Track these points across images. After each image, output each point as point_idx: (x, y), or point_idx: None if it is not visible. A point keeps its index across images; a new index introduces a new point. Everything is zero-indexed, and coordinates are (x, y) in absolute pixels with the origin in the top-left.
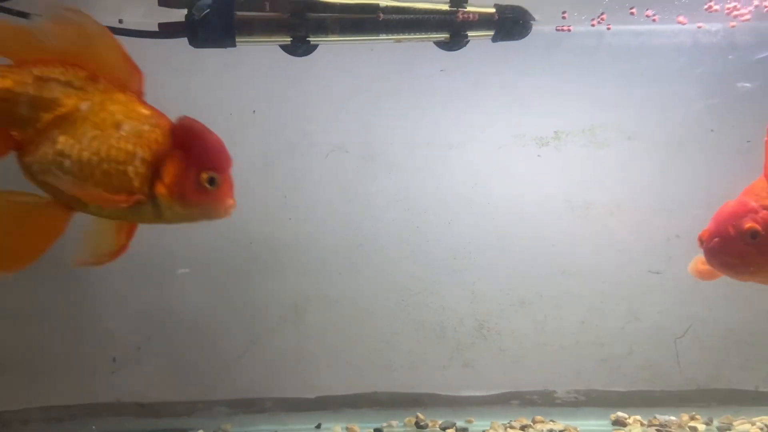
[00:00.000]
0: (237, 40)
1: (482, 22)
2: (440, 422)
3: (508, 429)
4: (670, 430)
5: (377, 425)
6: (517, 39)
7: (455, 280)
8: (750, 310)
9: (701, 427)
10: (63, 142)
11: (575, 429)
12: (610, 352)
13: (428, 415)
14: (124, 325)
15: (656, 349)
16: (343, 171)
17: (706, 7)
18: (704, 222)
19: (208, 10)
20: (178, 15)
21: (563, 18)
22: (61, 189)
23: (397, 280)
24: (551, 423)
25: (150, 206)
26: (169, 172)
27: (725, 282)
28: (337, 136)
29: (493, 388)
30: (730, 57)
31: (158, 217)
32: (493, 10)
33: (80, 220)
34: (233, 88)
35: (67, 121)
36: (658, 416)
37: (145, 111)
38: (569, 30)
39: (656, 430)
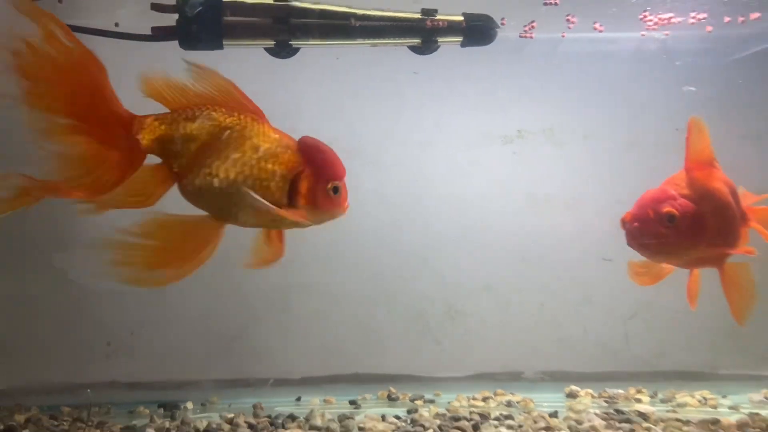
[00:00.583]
0: (224, 43)
1: (451, 29)
2: (410, 395)
3: (471, 400)
4: (617, 401)
5: (353, 398)
6: (483, 45)
7: (426, 267)
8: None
9: (645, 399)
10: (213, 166)
11: (531, 401)
12: (566, 333)
13: (400, 389)
14: (119, 311)
15: (608, 329)
16: None
17: (640, 16)
18: None
19: (200, 9)
20: (170, 19)
21: (502, 23)
22: (215, 206)
23: (372, 267)
24: (510, 395)
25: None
26: (304, 186)
27: (670, 269)
28: (319, 133)
29: (460, 364)
30: (677, 63)
31: (294, 224)
32: (461, 18)
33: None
34: None
35: (214, 150)
36: (608, 390)
37: (275, 135)
38: (532, 37)
39: (604, 401)
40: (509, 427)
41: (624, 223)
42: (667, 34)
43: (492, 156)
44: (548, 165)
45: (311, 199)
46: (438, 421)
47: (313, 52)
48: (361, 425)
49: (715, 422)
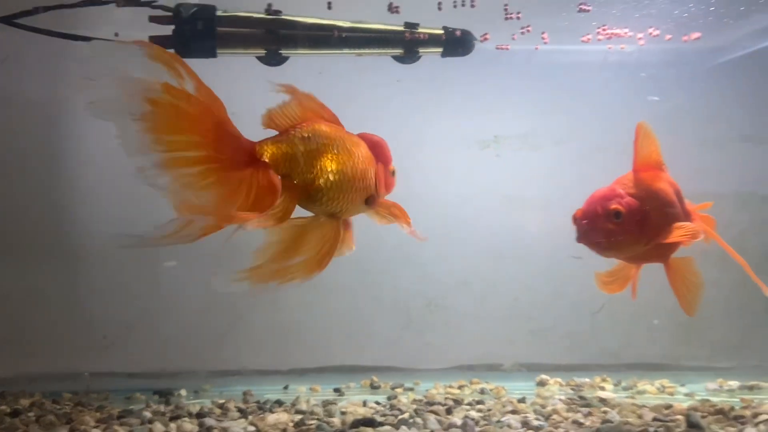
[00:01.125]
0: (218, 51)
1: (432, 40)
2: (391, 383)
3: (448, 388)
4: (582, 389)
5: (338, 386)
6: (462, 55)
7: (408, 263)
8: (653, 289)
9: (609, 386)
10: (330, 172)
11: (504, 388)
12: (537, 325)
13: (382, 378)
14: (117, 305)
15: (576, 322)
16: None
17: (599, 29)
18: None
19: (194, 18)
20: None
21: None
22: (331, 206)
23: (359, 264)
24: (485, 384)
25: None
26: (380, 176)
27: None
28: None
29: (440, 355)
30: (642, 74)
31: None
32: (441, 30)
33: None
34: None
35: (327, 159)
36: (575, 378)
37: (355, 138)
38: (507, 48)
39: (571, 388)
40: (479, 410)
41: (575, 219)
42: (622, 47)
43: (470, 159)
44: (522, 168)
45: (385, 185)
46: (414, 406)
47: (299, 61)
48: (344, 410)
49: (668, 407)
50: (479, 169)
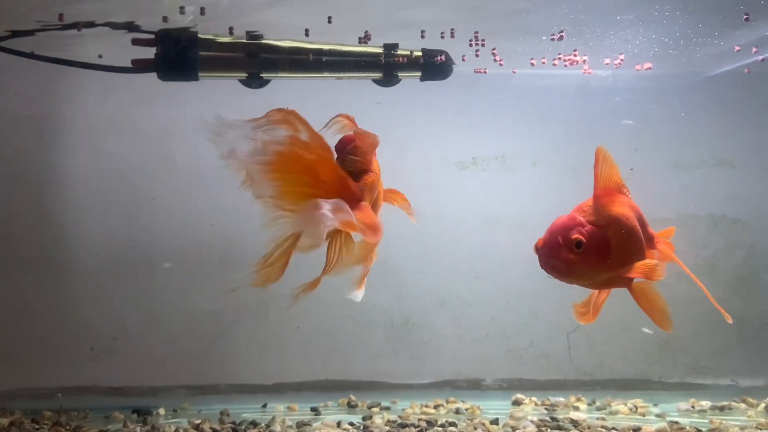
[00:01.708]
0: (200, 74)
1: (411, 64)
2: (368, 402)
3: (424, 408)
4: (557, 409)
5: (315, 405)
6: (441, 79)
7: (386, 282)
8: (628, 310)
9: (583, 406)
10: (378, 191)
11: (479, 408)
12: (514, 344)
13: (360, 397)
14: (102, 317)
15: (552, 342)
16: None
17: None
18: None
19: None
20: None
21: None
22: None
23: (335, 282)
24: (460, 403)
25: None
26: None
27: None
28: None
29: (416, 374)
30: (617, 99)
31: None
32: (420, 53)
33: None
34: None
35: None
36: (550, 398)
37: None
38: (485, 72)
39: (545, 408)
40: None
41: (536, 248)
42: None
43: (448, 180)
44: (500, 189)
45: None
46: (387, 428)
47: (283, 84)
48: (317, 431)
49: (637, 429)
50: (457, 189)
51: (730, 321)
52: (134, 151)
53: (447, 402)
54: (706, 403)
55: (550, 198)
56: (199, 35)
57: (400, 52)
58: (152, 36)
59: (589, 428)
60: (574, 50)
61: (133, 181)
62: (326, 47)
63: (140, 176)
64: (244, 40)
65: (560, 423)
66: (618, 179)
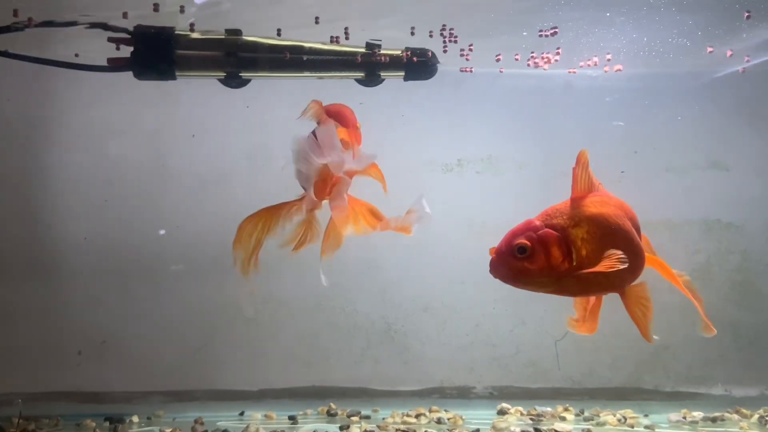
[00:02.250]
0: (177, 73)
1: (394, 63)
2: (348, 410)
3: (405, 417)
4: (542, 419)
5: (294, 413)
6: (425, 79)
7: (368, 287)
8: (617, 317)
9: (570, 416)
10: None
11: (461, 417)
12: (499, 352)
13: (340, 405)
14: (88, 323)
15: (539, 349)
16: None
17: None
18: None
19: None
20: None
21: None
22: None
23: (316, 287)
24: (443, 412)
25: None
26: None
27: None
28: (271, 160)
29: (399, 381)
30: (607, 99)
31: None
32: (400, 52)
33: None
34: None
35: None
36: (537, 407)
37: None
38: (471, 71)
39: (530, 418)
40: None
41: (490, 254)
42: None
43: (433, 183)
44: (486, 192)
45: (356, 139)
46: None
47: (265, 83)
48: None
49: None
50: (442, 192)
51: (713, 333)
52: (125, 153)
53: (430, 411)
54: (698, 414)
55: (537, 202)
56: (176, 33)
57: (383, 51)
58: (128, 35)
59: None
60: (557, 48)
61: (123, 184)
62: (307, 45)
63: (130, 179)
64: (223, 37)
65: None
66: (594, 181)
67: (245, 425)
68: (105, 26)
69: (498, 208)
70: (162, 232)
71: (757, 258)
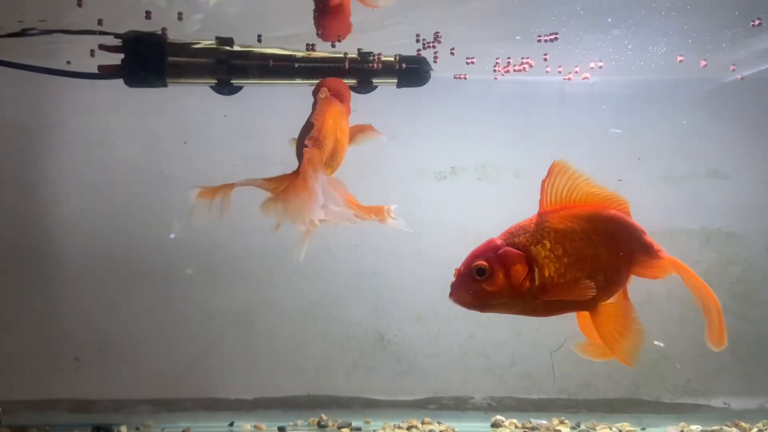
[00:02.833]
0: (168, 81)
1: (386, 70)
2: (339, 422)
3: (396, 428)
4: (538, 431)
5: (284, 424)
6: (418, 85)
7: (360, 296)
8: None
9: (565, 429)
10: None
11: (454, 430)
12: (494, 363)
13: (331, 416)
14: (86, 330)
15: (534, 360)
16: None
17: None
18: None
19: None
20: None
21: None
22: None
23: (307, 295)
24: (436, 424)
25: None
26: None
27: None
28: (264, 166)
29: (390, 392)
30: (603, 106)
31: None
32: (392, 59)
33: None
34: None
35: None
36: (532, 420)
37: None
38: (465, 77)
39: (525, 431)
40: None
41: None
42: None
43: (426, 191)
44: (480, 201)
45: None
46: None
47: (260, 90)
48: None
49: None
50: (435, 200)
51: (723, 347)
52: (123, 159)
53: (422, 423)
54: (696, 428)
55: (532, 210)
56: (167, 40)
57: (375, 58)
58: (119, 41)
59: None
60: (545, 54)
61: (120, 190)
62: (299, 53)
63: (128, 185)
64: (214, 45)
65: None
66: (572, 194)
67: None
68: (97, 33)
69: (492, 217)
70: (172, 235)
71: (757, 268)
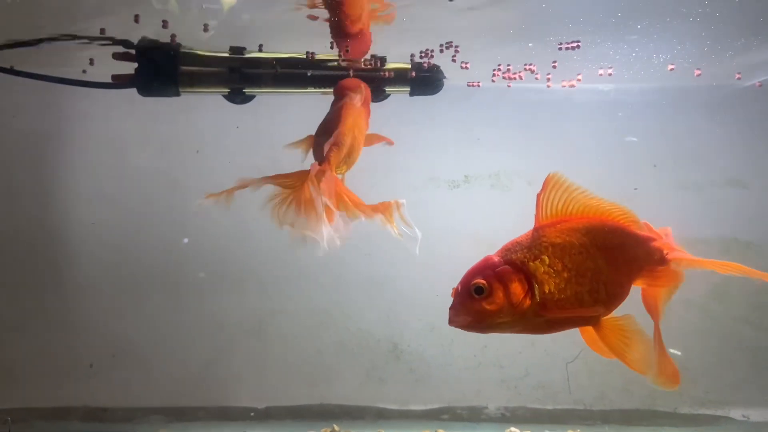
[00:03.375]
0: (181, 90)
1: (399, 78)
2: None
3: None
4: None
5: None
6: (431, 93)
7: (373, 305)
8: None
9: None
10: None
11: None
12: (508, 374)
13: (343, 426)
14: (98, 338)
15: (549, 371)
16: None
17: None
18: None
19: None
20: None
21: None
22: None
23: (320, 305)
24: None
25: None
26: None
27: None
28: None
29: (403, 402)
30: (619, 114)
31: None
32: (408, 66)
33: None
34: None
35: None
36: (546, 431)
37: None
38: (478, 85)
39: None
40: None
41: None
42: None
43: (439, 199)
44: (493, 209)
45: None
46: None
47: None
48: None
49: None
50: (449, 208)
51: None
52: (136, 166)
53: None
54: None
55: None
56: (180, 49)
57: (388, 66)
58: (132, 50)
59: None
60: (553, 62)
61: (133, 197)
62: (312, 58)
63: (141, 193)
64: (227, 55)
65: None
66: (567, 208)
67: None
68: (111, 42)
69: (506, 225)
70: (185, 240)
71: None
